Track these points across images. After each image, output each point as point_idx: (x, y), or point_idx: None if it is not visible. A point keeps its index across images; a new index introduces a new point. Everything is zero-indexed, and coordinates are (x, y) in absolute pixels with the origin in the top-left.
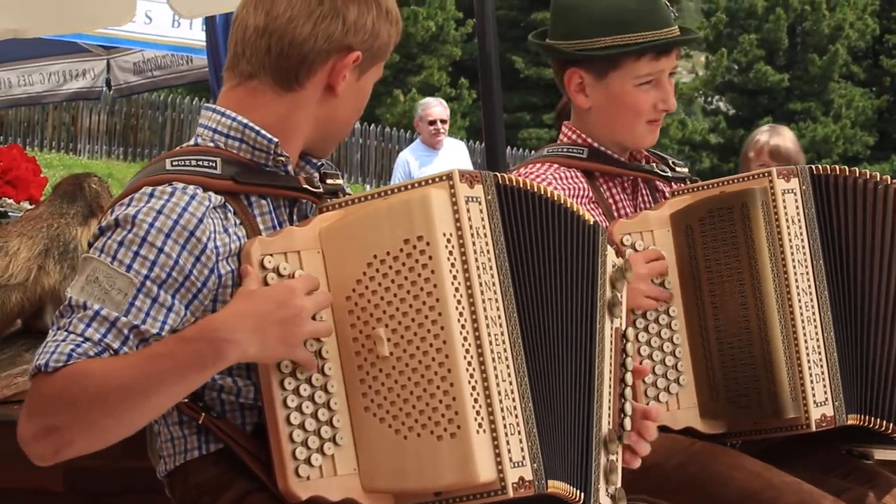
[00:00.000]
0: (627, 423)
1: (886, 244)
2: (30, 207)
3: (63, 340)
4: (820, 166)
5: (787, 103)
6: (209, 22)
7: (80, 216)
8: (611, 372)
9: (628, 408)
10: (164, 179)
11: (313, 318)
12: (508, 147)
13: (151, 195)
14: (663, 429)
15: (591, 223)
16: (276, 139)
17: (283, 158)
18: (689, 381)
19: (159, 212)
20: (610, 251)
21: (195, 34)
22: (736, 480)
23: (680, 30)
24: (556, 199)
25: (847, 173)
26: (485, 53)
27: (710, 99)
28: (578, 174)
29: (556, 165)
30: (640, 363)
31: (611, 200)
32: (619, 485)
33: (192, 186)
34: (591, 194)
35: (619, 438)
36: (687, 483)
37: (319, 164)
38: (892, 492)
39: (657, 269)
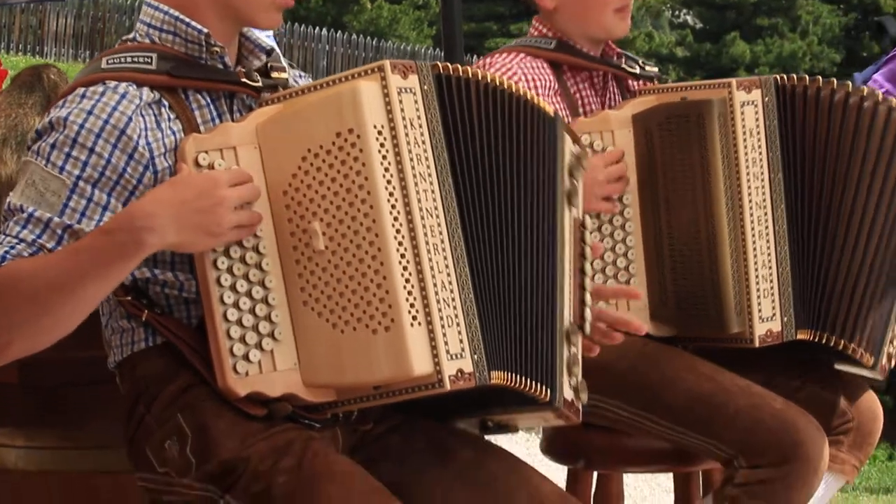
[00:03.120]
0: (588, 313)
1: (844, 156)
2: None
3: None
4: (787, 76)
5: (755, 18)
6: None
7: (38, 106)
8: (570, 262)
9: (588, 298)
10: (99, 79)
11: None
12: (475, 56)
13: (83, 96)
14: None
15: (550, 112)
16: (206, 30)
17: (217, 49)
18: (641, 282)
19: (90, 112)
20: (567, 139)
21: None
22: (687, 382)
23: None
24: (507, 87)
25: (816, 83)
26: None
27: (677, 12)
28: (545, 65)
29: (522, 55)
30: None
31: (577, 95)
32: (580, 377)
33: (123, 84)
34: (556, 86)
35: (581, 329)
36: (638, 383)
37: (269, 48)
38: (857, 404)
39: (615, 173)
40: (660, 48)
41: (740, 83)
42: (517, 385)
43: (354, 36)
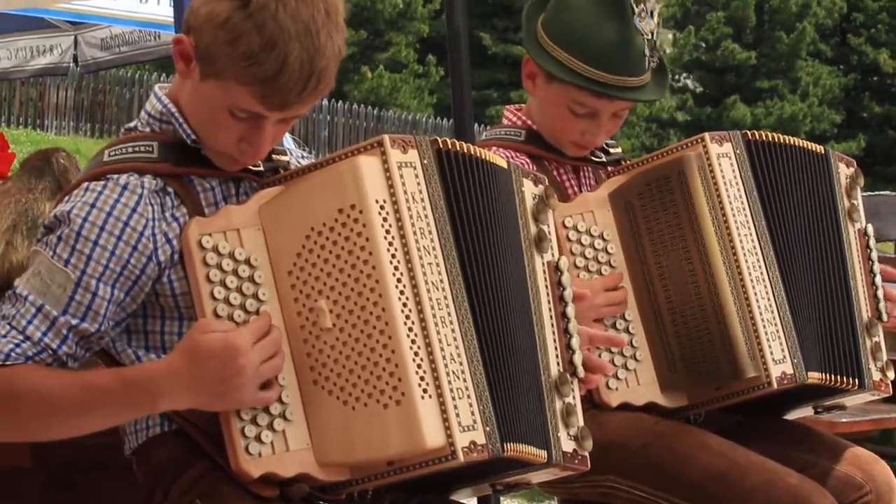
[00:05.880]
0: (577, 358)
1: (817, 201)
2: None
3: (4, 336)
4: (750, 132)
5: (755, 81)
6: None
7: (48, 191)
8: (550, 310)
9: (575, 342)
10: (102, 172)
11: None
12: (476, 124)
13: (86, 189)
14: (625, 407)
15: (503, 164)
16: (193, 136)
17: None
18: (646, 355)
19: (92, 205)
20: (527, 184)
21: (163, 10)
22: (701, 460)
23: (652, 72)
24: (489, 158)
25: (777, 139)
26: (453, 29)
27: (677, 76)
28: (522, 155)
29: (494, 148)
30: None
31: (559, 179)
32: (581, 424)
33: (125, 175)
34: (534, 170)
35: (573, 375)
36: (652, 463)
37: None
38: (873, 475)
39: (615, 299)
40: (660, 112)
41: (712, 137)
42: (523, 454)
43: (355, 105)
